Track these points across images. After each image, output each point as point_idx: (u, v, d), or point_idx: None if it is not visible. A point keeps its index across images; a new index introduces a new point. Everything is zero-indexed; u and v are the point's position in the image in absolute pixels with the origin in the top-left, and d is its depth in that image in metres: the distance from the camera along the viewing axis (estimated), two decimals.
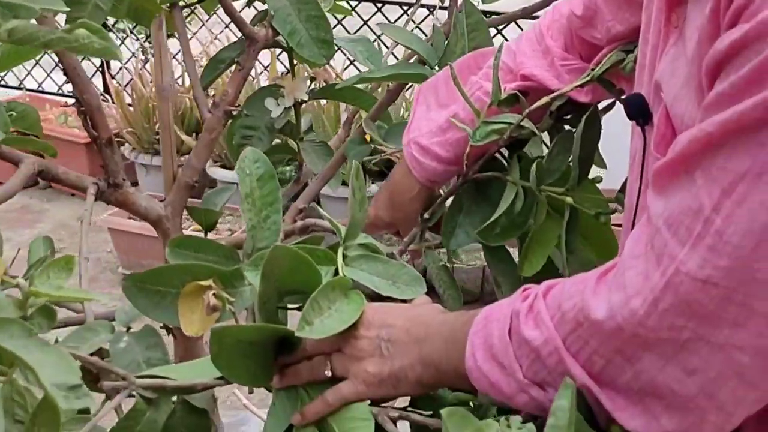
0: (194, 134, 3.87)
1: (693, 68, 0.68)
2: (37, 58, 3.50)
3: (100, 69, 4.49)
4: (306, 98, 1.36)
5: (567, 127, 1.11)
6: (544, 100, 1.02)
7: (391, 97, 1.38)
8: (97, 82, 4.53)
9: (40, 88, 4.58)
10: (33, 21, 1.15)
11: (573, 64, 1.05)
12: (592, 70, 1.02)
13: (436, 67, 1.27)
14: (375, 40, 3.16)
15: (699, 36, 0.67)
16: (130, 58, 4.38)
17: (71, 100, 4.47)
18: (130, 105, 4.09)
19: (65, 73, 1.09)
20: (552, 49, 1.06)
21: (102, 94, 4.37)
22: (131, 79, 4.19)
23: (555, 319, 0.71)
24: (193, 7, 1.47)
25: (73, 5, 1.26)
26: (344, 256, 0.89)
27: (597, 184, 1.07)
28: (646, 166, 0.80)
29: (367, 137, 1.33)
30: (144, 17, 1.36)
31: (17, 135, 1.49)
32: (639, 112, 0.81)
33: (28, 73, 4.63)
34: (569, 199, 1.03)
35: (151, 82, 4.06)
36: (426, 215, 1.13)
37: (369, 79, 1.36)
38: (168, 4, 1.35)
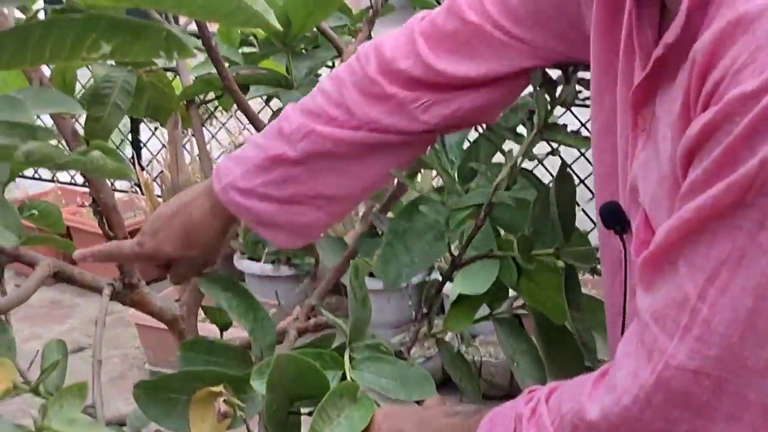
0: None
1: (666, 167, 0.68)
2: None
3: (132, 160, 4.55)
4: None
5: None
6: (506, 171, 0.99)
7: (401, 189, 1.38)
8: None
9: (72, 181, 4.64)
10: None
11: (427, 101, 0.98)
12: (533, 123, 0.98)
13: None
14: None
15: (672, 133, 0.67)
16: (161, 149, 4.44)
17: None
18: (159, 196, 4.13)
19: (82, 173, 1.10)
20: (397, 95, 0.98)
21: (133, 186, 4.42)
22: (161, 171, 4.24)
23: (555, 423, 0.70)
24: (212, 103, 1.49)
25: (94, 105, 1.28)
26: (351, 359, 0.88)
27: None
28: (629, 274, 0.79)
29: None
30: (161, 114, 1.38)
31: (39, 233, 1.51)
32: (616, 220, 0.80)
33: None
34: (560, 263, 1.00)
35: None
36: (424, 309, 1.10)
37: None
38: (185, 101, 1.37)
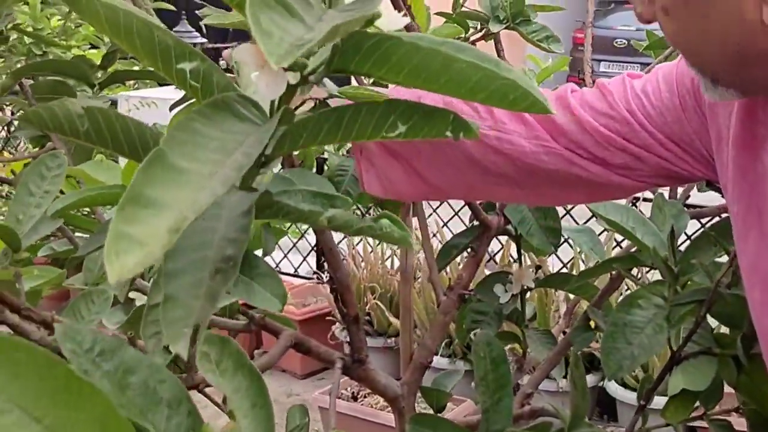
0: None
1: None
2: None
3: (315, 248, 4.69)
4: (533, 286, 1.40)
5: None
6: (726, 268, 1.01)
7: (613, 285, 1.41)
8: (311, 260, 4.72)
9: (277, 268, 4.81)
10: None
11: (555, 148, 0.98)
12: None
13: None
14: (603, 231, 3.19)
15: None
16: (343, 238, 4.57)
17: (296, 280, 4.57)
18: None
19: (322, 254, 1.19)
20: (534, 126, 0.98)
21: (315, 272, 4.56)
22: (343, 259, 4.35)
23: None
24: None
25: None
26: None
27: None
28: None
29: (592, 324, 1.36)
30: (388, 202, 1.46)
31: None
32: None
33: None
34: None
35: (362, 262, 4.21)
36: (641, 402, 1.12)
37: (589, 273, 1.38)
38: None
